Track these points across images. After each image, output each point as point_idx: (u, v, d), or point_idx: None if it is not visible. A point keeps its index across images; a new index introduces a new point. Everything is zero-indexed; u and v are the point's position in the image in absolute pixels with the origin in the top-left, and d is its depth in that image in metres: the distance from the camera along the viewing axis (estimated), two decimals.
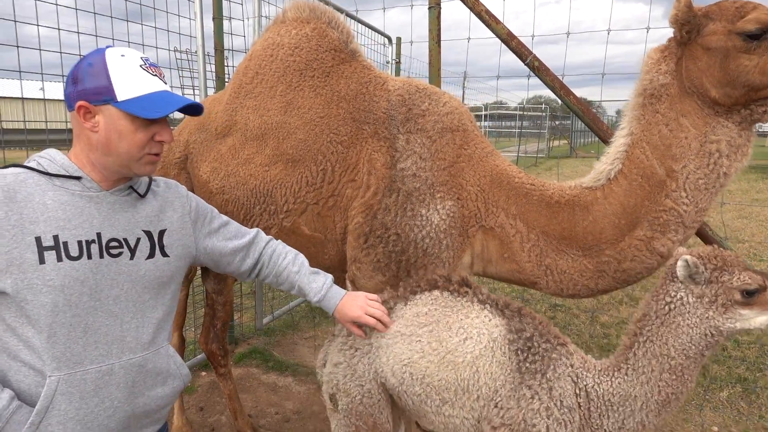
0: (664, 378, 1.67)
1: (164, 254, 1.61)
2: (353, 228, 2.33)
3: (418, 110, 2.34)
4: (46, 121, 3.76)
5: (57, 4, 3.17)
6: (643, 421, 1.73)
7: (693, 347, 1.64)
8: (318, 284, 1.92)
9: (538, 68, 2.97)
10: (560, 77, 3.01)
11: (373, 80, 2.48)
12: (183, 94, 4.49)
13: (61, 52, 3.21)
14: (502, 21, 3.05)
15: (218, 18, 4.33)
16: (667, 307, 1.67)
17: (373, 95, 2.42)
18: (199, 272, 3.55)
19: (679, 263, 1.63)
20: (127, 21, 3.57)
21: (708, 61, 1.89)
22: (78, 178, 1.46)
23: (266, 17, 4.62)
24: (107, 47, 1.46)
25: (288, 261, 1.93)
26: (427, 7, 3.27)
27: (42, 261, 1.37)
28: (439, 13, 3.27)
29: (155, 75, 1.48)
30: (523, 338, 1.78)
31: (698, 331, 1.63)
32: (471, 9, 3.13)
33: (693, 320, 1.63)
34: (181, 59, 4.43)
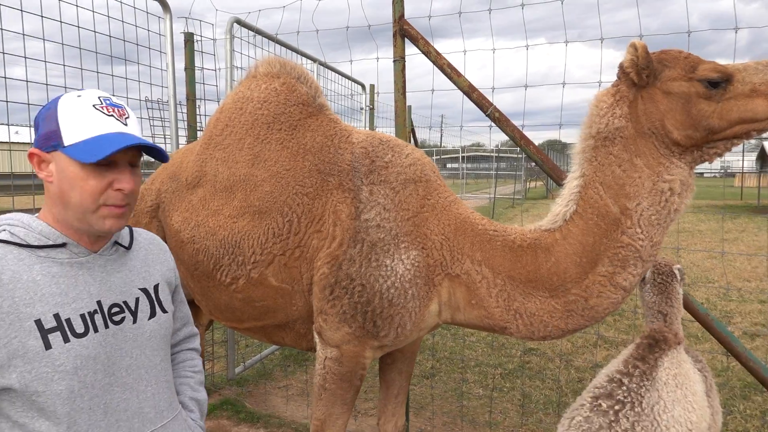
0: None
1: (163, 310, 1.51)
2: (319, 279, 2.33)
3: (381, 162, 2.39)
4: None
5: (25, 57, 3.20)
6: None
7: None
8: (188, 395, 1.72)
9: (498, 119, 3.07)
10: (520, 127, 3.10)
11: (338, 133, 2.53)
12: (154, 143, 4.51)
13: (28, 104, 3.23)
14: (463, 74, 3.16)
15: (190, 68, 4.40)
16: (675, 299, 2.38)
17: (338, 147, 2.47)
18: None
19: (677, 270, 2.41)
20: (98, 73, 3.61)
21: (669, 105, 1.99)
22: (63, 245, 1.31)
23: (238, 67, 4.71)
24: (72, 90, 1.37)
25: (189, 377, 1.73)
26: (392, 60, 3.37)
27: (48, 346, 1.22)
28: (404, 66, 3.37)
29: (111, 115, 1.31)
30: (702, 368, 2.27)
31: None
32: (434, 62, 3.24)
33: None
34: (152, 108, 4.46)
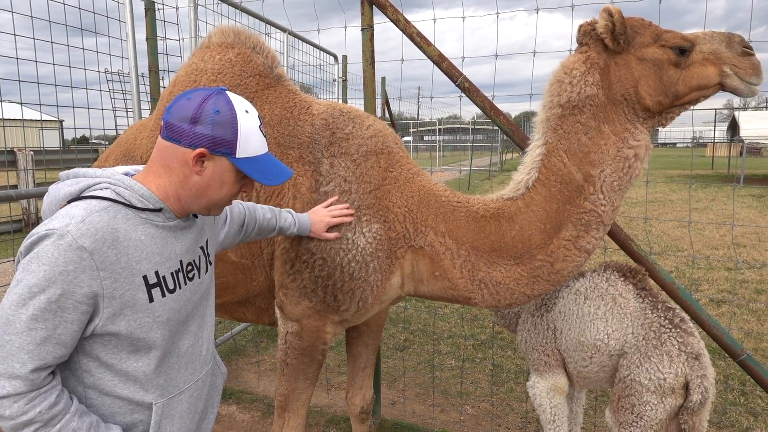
0: None
1: (210, 263, 1.66)
2: (280, 253, 2.29)
3: (342, 134, 2.33)
4: None
5: None
6: None
7: None
8: (289, 218, 2.13)
9: (468, 89, 3.01)
10: (490, 97, 3.05)
11: (297, 104, 2.45)
12: (116, 116, 4.37)
13: None
14: (433, 43, 3.08)
15: (152, 38, 4.23)
16: None
17: (297, 120, 2.40)
18: None
19: None
20: (51, 43, 3.44)
21: (642, 71, 2.01)
22: (160, 209, 1.42)
23: (202, 37, 4.55)
24: (223, 90, 1.43)
25: (263, 213, 2.06)
26: (360, 28, 3.28)
27: (151, 299, 1.37)
28: (372, 35, 3.27)
29: (265, 137, 1.49)
30: None
31: None
32: (403, 31, 3.15)
33: None
34: (113, 80, 4.30)
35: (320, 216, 2.18)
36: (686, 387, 2.18)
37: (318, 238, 2.19)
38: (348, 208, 2.23)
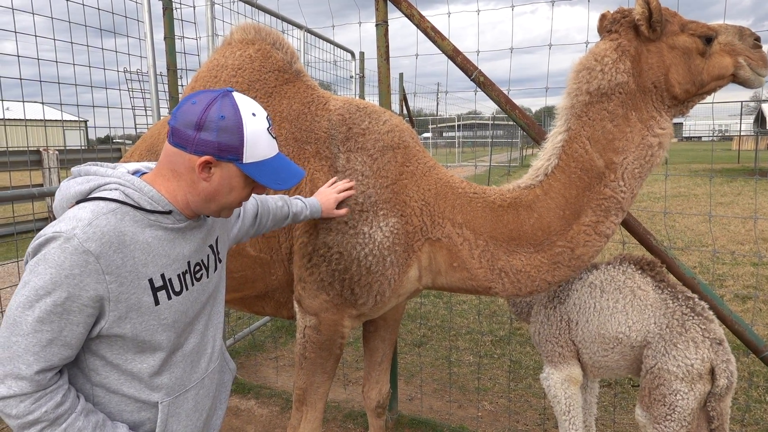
0: None
1: (220, 260, 1.65)
2: (298, 247, 2.31)
3: (359, 129, 2.34)
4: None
5: (15, 32, 3.10)
6: None
7: None
8: (299, 203, 2.13)
9: (483, 83, 2.99)
10: (506, 91, 3.03)
11: (315, 100, 2.47)
12: (134, 115, 4.43)
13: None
14: (447, 37, 3.07)
15: (170, 37, 4.28)
16: None
17: (314, 115, 2.41)
18: None
19: None
20: (72, 44, 3.50)
21: (673, 59, 2.03)
22: (169, 212, 1.40)
23: (220, 36, 4.59)
24: (230, 91, 1.39)
25: (274, 202, 2.06)
26: (375, 24, 3.27)
27: (156, 302, 1.37)
28: (387, 30, 3.27)
29: (274, 138, 1.46)
30: None
31: None
32: (417, 26, 3.15)
33: None
34: (131, 80, 4.36)
35: (327, 195, 2.20)
36: (712, 373, 2.20)
37: (330, 216, 2.21)
38: (349, 182, 2.26)
